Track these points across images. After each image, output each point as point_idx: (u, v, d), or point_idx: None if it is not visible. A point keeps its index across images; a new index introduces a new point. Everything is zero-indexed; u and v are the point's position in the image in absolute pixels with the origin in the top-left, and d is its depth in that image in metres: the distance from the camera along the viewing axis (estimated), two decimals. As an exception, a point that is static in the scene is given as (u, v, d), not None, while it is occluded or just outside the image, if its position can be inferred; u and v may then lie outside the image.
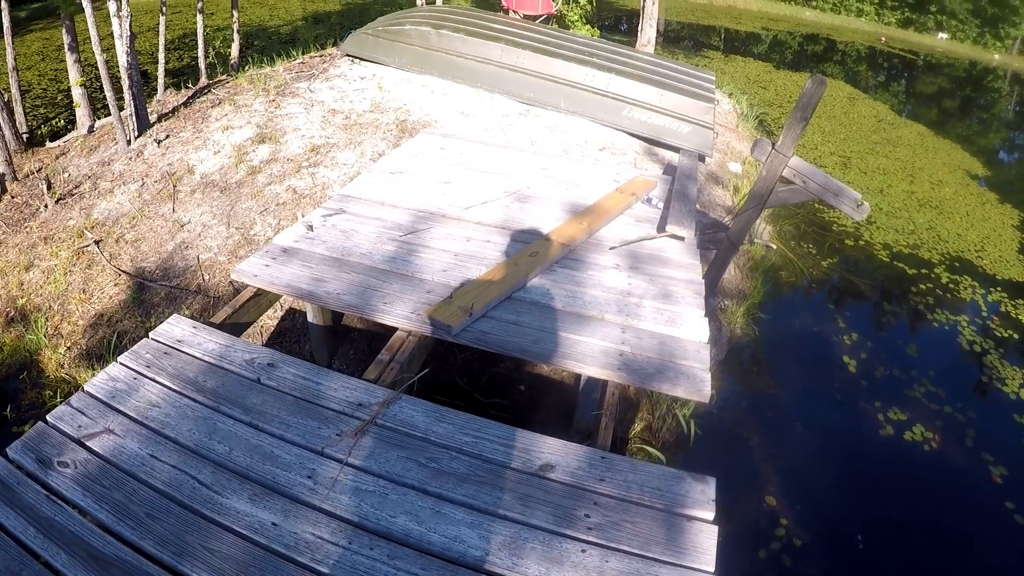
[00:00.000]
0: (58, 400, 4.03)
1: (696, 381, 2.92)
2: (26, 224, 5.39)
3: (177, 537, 2.17)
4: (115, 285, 4.74)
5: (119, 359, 2.86)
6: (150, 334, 3.01)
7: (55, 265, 4.88)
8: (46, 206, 5.49)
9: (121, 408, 2.63)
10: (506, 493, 2.36)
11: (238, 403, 2.67)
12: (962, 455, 4.39)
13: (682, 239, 4.14)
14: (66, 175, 5.97)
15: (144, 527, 2.20)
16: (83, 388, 2.70)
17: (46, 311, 4.67)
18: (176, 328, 3.04)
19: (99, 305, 4.65)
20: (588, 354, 3.04)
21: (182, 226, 5.14)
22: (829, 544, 3.67)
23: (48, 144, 6.97)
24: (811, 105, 3.72)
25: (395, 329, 3.27)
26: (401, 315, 3.24)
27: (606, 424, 2.86)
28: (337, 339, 4.20)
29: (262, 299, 3.57)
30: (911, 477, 4.18)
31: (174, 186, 5.52)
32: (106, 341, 4.37)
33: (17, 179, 5.90)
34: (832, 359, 5.21)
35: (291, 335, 4.48)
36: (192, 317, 4.47)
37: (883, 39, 22.76)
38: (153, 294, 4.67)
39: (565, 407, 3.87)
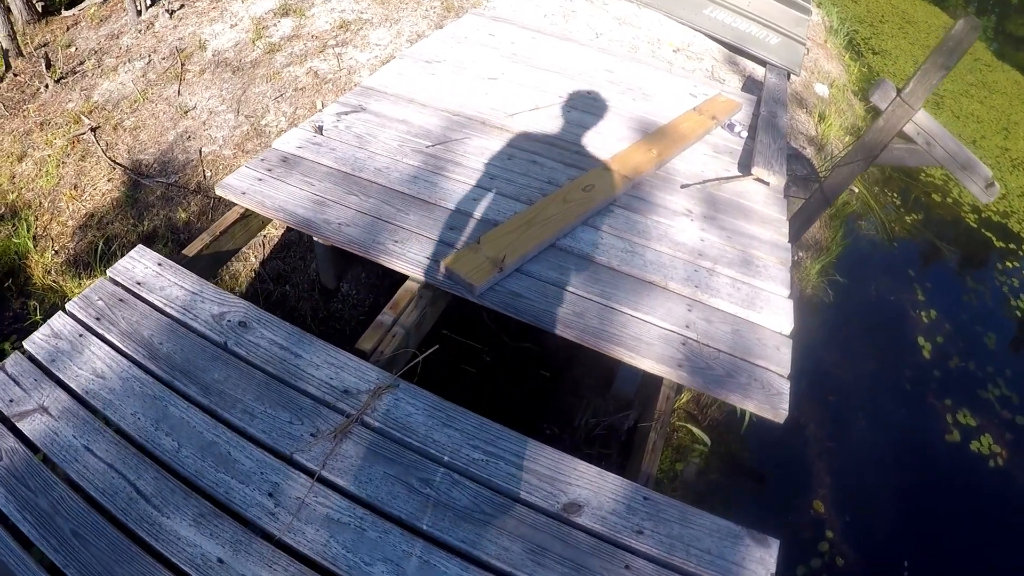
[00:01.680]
0: (38, 317, 3.71)
1: (771, 393, 2.34)
2: (25, 106, 4.95)
3: (105, 568, 1.77)
4: (108, 180, 4.30)
5: (67, 306, 2.42)
6: (108, 271, 2.55)
7: (48, 156, 4.45)
8: (47, 86, 5.01)
9: (61, 376, 2.22)
10: (516, 541, 1.88)
11: (197, 378, 2.22)
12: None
13: (768, 184, 3.40)
14: (71, 49, 5.44)
15: (69, 549, 1.82)
16: (21, 347, 2.29)
17: (36, 208, 4.29)
18: (138, 264, 2.57)
19: (90, 204, 4.23)
20: (644, 339, 2.46)
21: (186, 112, 4.60)
22: (873, 569, 3.26)
23: (63, 13, 6.38)
24: (958, 52, 2.90)
25: (404, 276, 2.72)
26: (414, 260, 2.70)
27: (654, 443, 2.31)
28: (346, 259, 3.69)
29: (251, 221, 3.06)
30: (972, 496, 3.68)
31: (182, 64, 4.93)
32: (94, 247, 3.97)
33: (23, 54, 5.39)
34: (906, 339, 4.59)
35: (297, 250, 4.01)
36: (185, 224, 4.04)
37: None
38: (148, 192, 4.22)
39: (604, 365, 3.34)
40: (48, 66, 4.99)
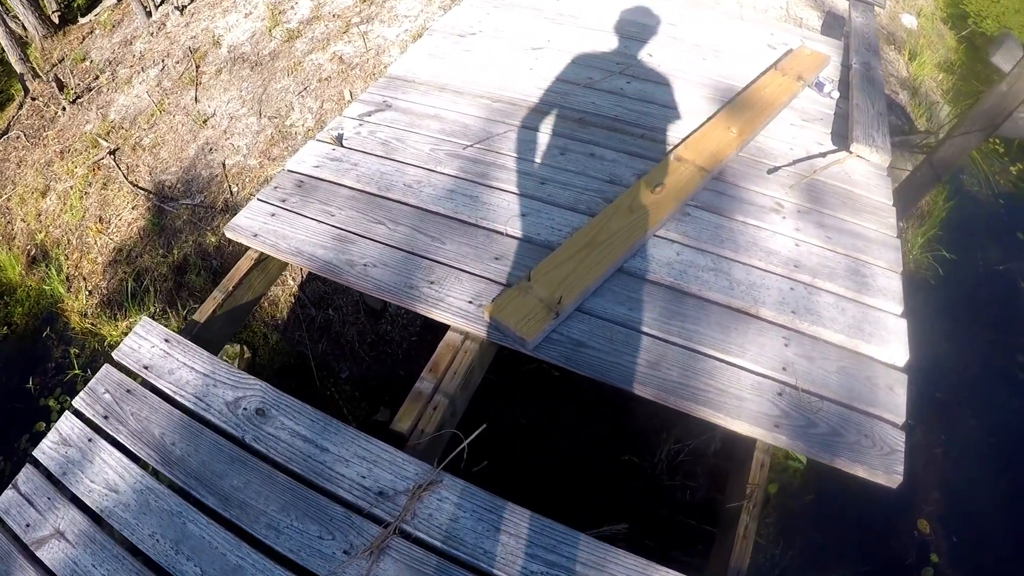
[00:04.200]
0: (78, 370, 3.70)
1: (884, 452, 2.03)
2: (44, 133, 4.95)
3: None
4: (133, 208, 4.23)
5: (74, 403, 2.32)
6: (113, 354, 2.42)
7: (71, 188, 4.42)
8: (63, 109, 4.98)
9: (74, 490, 2.13)
10: None
11: (215, 486, 2.07)
12: None
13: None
14: (86, 63, 5.39)
15: None
16: (30, 458, 2.21)
17: (65, 246, 4.28)
18: (144, 343, 2.42)
19: (117, 236, 4.18)
20: (733, 391, 2.15)
21: (205, 121, 4.45)
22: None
23: (80, 21, 6.32)
24: None
25: (444, 327, 2.47)
26: (455, 306, 2.45)
27: (746, 527, 2.00)
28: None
29: (269, 264, 2.87)
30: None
31: (197, 66, 4.78)
32: (125, 284, 3.92)
33: (40, 75, 5.36)
34: (1021, 323, 4.05)
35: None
36: (216, 248, 3.91)
37: None
38: (174, 217, 4.12)
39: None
40: (61, 88, 4.94)
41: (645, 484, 3.24)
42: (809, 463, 3.16)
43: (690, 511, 3.17)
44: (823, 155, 3.03)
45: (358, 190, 2.92)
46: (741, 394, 2.15)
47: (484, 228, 2.73)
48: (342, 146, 3.15)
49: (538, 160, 3.01)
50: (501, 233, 2.69)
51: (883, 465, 2.01)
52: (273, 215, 2.81)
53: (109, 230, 4.21)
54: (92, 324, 4.01)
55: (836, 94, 3.40)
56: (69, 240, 4.29)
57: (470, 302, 2.44)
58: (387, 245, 2.67)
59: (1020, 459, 3.44)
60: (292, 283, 3.89)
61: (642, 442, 3.34)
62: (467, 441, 2.10)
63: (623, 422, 3.38)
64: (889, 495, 3.05)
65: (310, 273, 3.84)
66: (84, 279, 4.15)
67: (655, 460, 3.25)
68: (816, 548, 3.11)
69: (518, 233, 2.68)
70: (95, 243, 4.20)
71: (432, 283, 2.51)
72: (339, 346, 3.81)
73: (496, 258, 2.61)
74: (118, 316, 3.93)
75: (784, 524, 3.16)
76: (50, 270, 4.12)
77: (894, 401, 2.15)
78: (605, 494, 3.22)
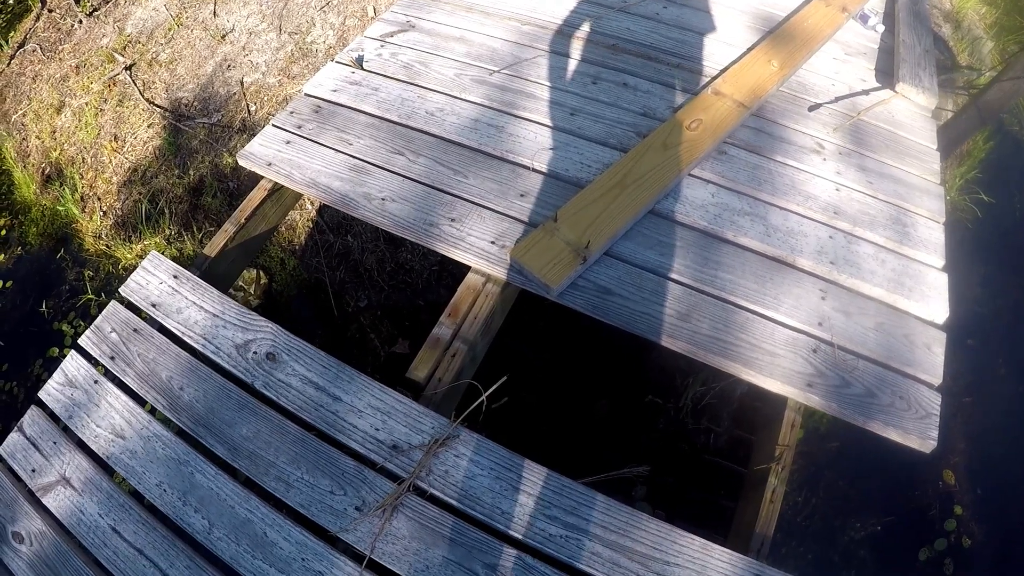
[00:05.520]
0: (90, 294, 3.63)
1: (919, 415, 1.91)
2: (60, 47, 4.73)
3: None
4: (148, 127, 4.05)
5: (80, 342, 2.23)
6: (120, 290, 2.31)
7: (86, 104, 4.24)
8: (80, 22, 4.74)
9: (80, 435, 2.06)
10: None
11: (224, 435, 1.98)
12: None
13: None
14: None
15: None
16: (36, 400, 2.14)
17: (79, 165, 4.14)
18: (152, 279, 2.31)
19: (132, 155, 4.03)
20: (767, 347, 2.01)
21: (224, 36, 4.21)
22: (1004, 552, 2.88)
23: None
24: None
25: (465, 266, 2.33)
26: (477, 246, 2.30)
27: (774, 491, 1.89)
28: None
29: (284, 193, 2.72)
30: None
31: (216, -24, 4.49)
32: (140, 206, 3.80)
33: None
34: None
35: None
36: (233, 170, 3.75)
37: None
38: (190, 137, 3.96)
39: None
40: (77, 0, 4.70)
41: (668, 426, 3.14)
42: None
43: (714, 452, 3.08)
44: (866, 92, 2.78)
45: (378, 117, 2.73)
46: (775, 350, 2.01)
47: (509, 162, 2.54)
48: (362, 69, 2.94)
49: (568, 89, 2.79)
50: (527, 168, 2.51)
51: (917, 429, 1.89)
52: (288, 143, 2.64)
53: (124, 149, 4.05)
54: (106, 246, 3.91)
55: (881, 27, 3.11)
56: (84, 159, 4.15)
57: (492, 242, 2.29)
58: (407, 178, 2.50)
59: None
60: (311, 207, 3.75)
61: (666, 383, 3.23)
62: (486, 394, 1.98)
63: (646, 362, 3.26)
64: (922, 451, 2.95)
65: (328, 199, 3.68)
66: (99, 199, 4.03)
67: (680, 403, 3.14)
68: (840, 496, 3.03)
69: (545, 168, 2.50)
70: (110, 162, 4.06)
71: (453, 220, 2.36)
72: (357, 274, 3.69)
73: (521, 195, 2.43)
74: (132, 238, 3.83)
75: (808, 471, 3.07)
76: (64, 189, 3.99)
77: (931, 361, 2.01)
78: (627, 436, 3.13)
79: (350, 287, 3.70)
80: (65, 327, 3.63)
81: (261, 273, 3.75)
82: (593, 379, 3.26)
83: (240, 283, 3.69)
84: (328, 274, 3.69)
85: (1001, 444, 3.18)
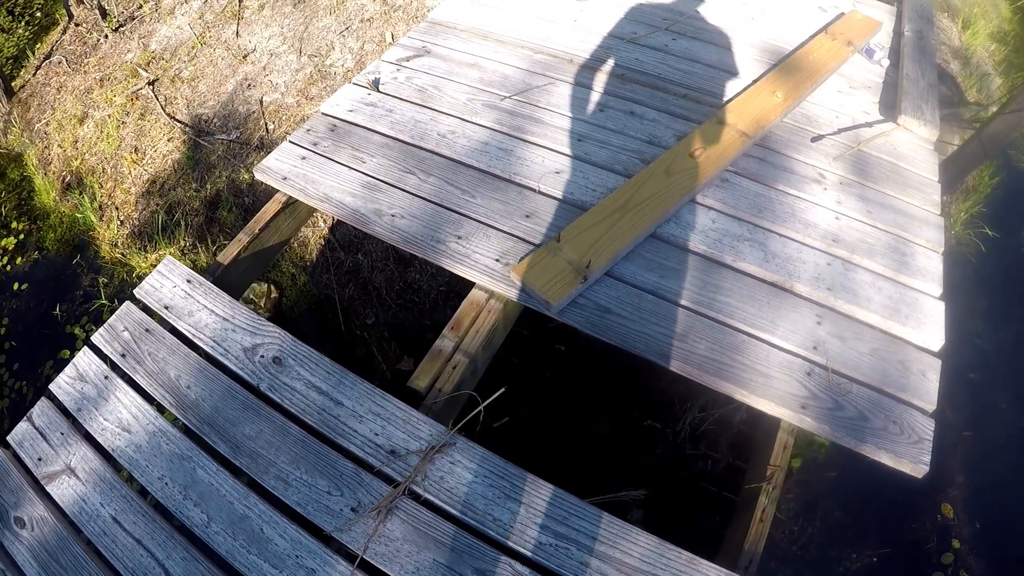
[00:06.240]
0: (104, 301, 3.69)
1: (911, 440, 1.93)
2: (86, 60, 4.87)
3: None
4: (168, 140, 4.16)
5: (93, 339, 2.28)
6: (135, 291, 2.38)
7: (109, 116, 4.35)
8: (106, 37, 4.89)
9: (88, 427, 2.11)
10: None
11: (227, 433, 2.03)
12: None
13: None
14: (132, -10, 5.27)
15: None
16: (46, 392, 2.19)
17: (99, 175, 4.24)
18: (166, 283, 2.37)
19: (151, 168, 4.12)
20: (761, 369, 2.04)
21: (245, 56, 4.33)
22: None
23: None
24: None
25: (469, 283, 2.39)
26: (481, 263, 2.35)
27: (763, 511, 1.92)
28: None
29: (299, 207, 2.79)
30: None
31: (240, 0, 4.62)
32: (156, 217, 3.88)
33: (83, 1, 5.25)
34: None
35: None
36: (249, 185, 3.83)
37: None
38: (209, 152, 4.05)
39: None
40: (104, 15, 4.85)
41: (666, 451, 3.16)
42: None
43: (711, 478, 3.09)
44: (869, 125, 2.85)
45: (391, 137, 2.81)
46: (769, 372, 2.05)
47: (516, 184, 2.61)
48: (378, 91, 3.03)
49: (576, 116, 2.87)
50: (534, 190, 2.57)
51: (910, 454, 1.91)
52: (304, 158, 2.72)
53: (144, 161, 4.15)
54: (122, 255, 3.99)
55: (886, 62, 3.18)
56: (104, 169, 4.25)
57: (497, 260, 2.34)
58: (417, 196, 2.57)
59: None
60: (323, 225, 3.82)
61: (665, 408, 3.25)
62: (484, 404, 2.02)
63: (645, 386, 3.29)
64: (912, 479, 2.96)
65: (339, 217, 3.76)
66: (116, 209, 4.12)
67: (678, 428, 3.16)
68: (836, 525, 3.03)
69: (551, 191, 2.56)
70: (129, 173, 4.16)
71: (460, 238, 2.42)
72: (366, 292, 3.75)
73: (526, 216, 2.49)
74: (148, 248, 3.90)
75: (805, 500, 3.07)
76: (83, 198, 4.09)
77: (926, 387, 2.04)
78: (624, 459, 3.15)
79: (359, 304, 3.76)
80: (77, 331, 3.70)
81: (272, 287, 3.81)
82: (593, 399, 3.29)
83: (251, 296, 3.75)
84: (338, 291, 3.75)
85: (1001, 479, 3.18)
